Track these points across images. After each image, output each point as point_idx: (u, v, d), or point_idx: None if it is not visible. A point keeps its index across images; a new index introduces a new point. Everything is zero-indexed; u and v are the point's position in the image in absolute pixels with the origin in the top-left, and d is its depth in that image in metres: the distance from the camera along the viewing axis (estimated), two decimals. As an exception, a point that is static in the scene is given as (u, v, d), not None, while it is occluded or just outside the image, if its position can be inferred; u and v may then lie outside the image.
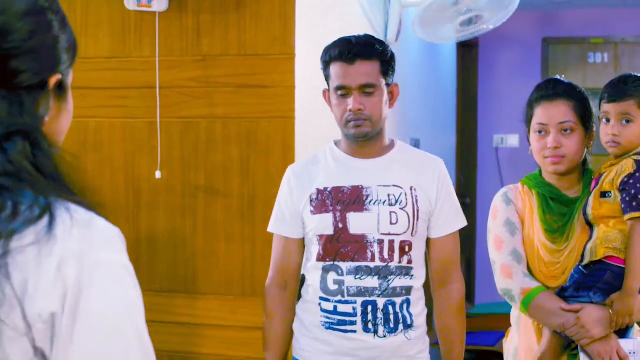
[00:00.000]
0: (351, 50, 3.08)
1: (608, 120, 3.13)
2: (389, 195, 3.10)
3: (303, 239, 3.23)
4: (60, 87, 1.41)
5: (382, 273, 3.07)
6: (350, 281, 3.07)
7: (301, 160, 3.36)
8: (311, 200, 3.14)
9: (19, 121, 1.31)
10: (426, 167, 3.20)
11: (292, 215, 3.20)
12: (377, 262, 3.07)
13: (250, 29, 4.10)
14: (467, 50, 8.95)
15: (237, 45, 4.12)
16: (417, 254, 3.14)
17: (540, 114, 3.20)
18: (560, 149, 3.15)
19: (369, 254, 3.07)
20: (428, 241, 3.21)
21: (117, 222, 4.61)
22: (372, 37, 3.16)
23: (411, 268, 3.11)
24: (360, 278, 3.06)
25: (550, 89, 3.22)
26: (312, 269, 3.18)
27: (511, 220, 3.23)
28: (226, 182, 4.16)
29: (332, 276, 3.11)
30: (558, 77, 3.33)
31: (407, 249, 3.10)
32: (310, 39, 4.20)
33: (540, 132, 3.20)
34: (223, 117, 4.14)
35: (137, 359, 1.29)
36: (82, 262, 1.26)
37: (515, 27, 8.32)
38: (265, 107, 4.08)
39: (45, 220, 1.26)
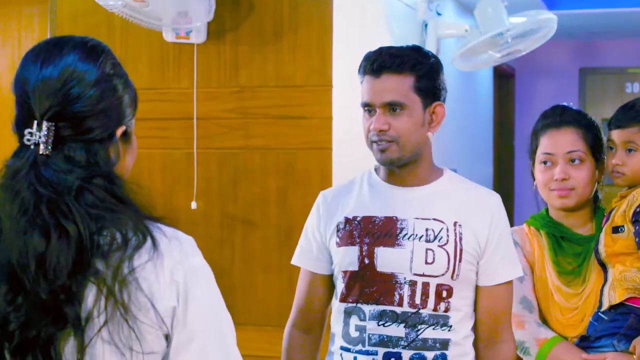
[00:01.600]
0: (377, 60, 2.65)
1: (611, 148, 2.89)
2: (427, 230, 2.61)
3: (331, 276, 2.79)
4: (125, 134, 1.76)
5: (411, 321, 2.58)
6: (372, 328, 2.60)
7: (336, 186, 2.96)
8: (338, 230, 2.71)
9: (95, 167, 1.66)
10: (478, 202, 2.71)
11: (319, 247, 2.78)
12: (406, 307, 2.58)
13: (287, 61, 4.11)
14: (504, 80, 8.93)
15: (274, 77, 4.14)
16: (461, 302, 2.64)
17: (546, 143, 2.94)
18: (568, 181, 2.88)
19: (397, 297, 2.59)
20: (476, 289, 2.70)
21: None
22: (413, 47, 2.71)
23: (449, 317, 2.61)
24: (384, 325, 2.59)
25: (557, 116, 2.95)
26: (335, 313, 2.73)
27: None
28: (263, 213, 4.16)
29: (354, 321, 2.64)
30: (566, 104, 3.07)
31: (445, 294, 2.60)
32: (348, 70, 4.20)
33: (545, 162, 2.93)
34: (260, 148, 4.16)
35: (229, 331, 1.74)
36: (185, 267, 1.68)
37: (552, 57, 8.31)
38: (302, 138, 4.09)
39: (149, 241, 1.65)
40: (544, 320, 2.91)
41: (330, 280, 2.79)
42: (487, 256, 2.64)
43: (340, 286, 2.69)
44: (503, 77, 8.79)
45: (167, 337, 1.67)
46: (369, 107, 2.67)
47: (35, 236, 1.57)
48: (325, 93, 4.06)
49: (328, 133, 4.04)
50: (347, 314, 2.65)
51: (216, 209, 4.24)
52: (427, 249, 2.60)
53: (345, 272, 2.66)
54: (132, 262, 1.62)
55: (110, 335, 1.60)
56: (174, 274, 1.67)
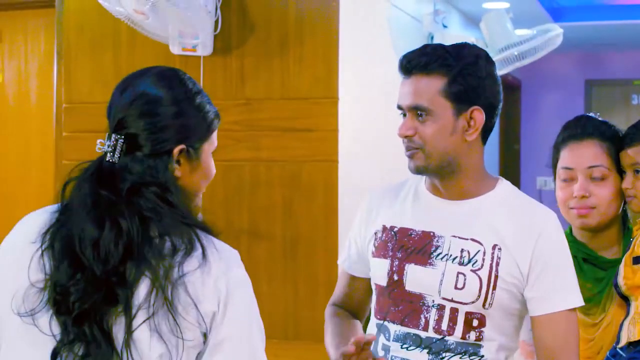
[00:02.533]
0: (408, 59, 2.39)
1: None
2: (462, 251, 2.36)
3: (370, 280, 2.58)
4: (188, 153, 1.98)
5: (435, 347, 2.34)
6: (395, 350, 2.40)
7: (386, 185, 2.67)
8: (375, 239, 2.50)
9: (149, 177, 1.90)
10: (524, 222, 2.38)
11: (359, 252, 2.58)
12: (430, 333, 2.35)
13: (293, 73, 4.12)
14: (510, 91, 8.94)
15: (280, 89, 4.14)
16: (497, 332, 2.37)
17: (566, 156, 2.66)
18: (588, 198, 2.60)
19: (422, 321, 2.36)
20: (531, 320, 2.40)
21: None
22: (454, 46, 2.41)
23: (480, 347, 2.34)
24: (407, 348, 2.38)
25: (579, 127, 2.67)
26: (370, 327, 2.54)
27: None
28: (269, 225, 4.16)
29: (381, 339, 2.45)
30: (592, 114, 2.81)
31: (475, 323, 2.34)
32: (354, 82, 4.21)
33: (565, 179, 2.67)
34: (266, 160, 4.16)
35: (259, 338, 1.93)
36: (228, 277, 1.89)
37: (558, 69, 8.31)
38: (308, 150, 4.09)
39: (199, 250, 1.87)
40: None
41: (369, 284, 2.57)
42: (532, 282, 2.34)
43: (373, 299, 2.52)
44: (509, 88, 8.79)
45: (205, 336, 1.87)
46: (401, 110, 2.41)
47: (92, 225, 1.84)
48: (331, 105, 4.06)
49: (334, 145, 4.04)
50: (378, 330, 2.47)
51: (221, 220, 4.23)
52: (458, 273, 2.34)
53: (376, 285, 2.48)
54: (183, 267, 1.84)
55: (157, 326, 1.81)
56: (217, 282, 1.87)
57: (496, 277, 2.32)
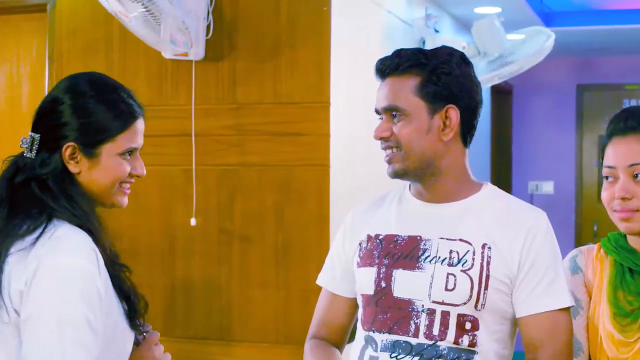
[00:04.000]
0: (381, 62, 2.41)
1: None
2: (450, 252, 2.29)
3: (354, 300, 2.50)
4: (85, 151, 2.08)
5: (426, 354, 2.25)
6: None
7: (369, 200, 2.60)
8: (360, 249, 2.43)
9: (35, 170, 2.07)
10: (512, 220, 2.33)
11: (344, 269, 2.50)
12: (421, 339, 2.26)
13: (285, 78, 4.12)
14: (502, 96, 8.95)
15: (272, 94, 4.15)
16: (490, 336, 2.28)
17: (609, 153, 2.36)
18: (631, 200, 2.29)
19: (412, 327, 2.27)
20: (517, 323, 2.34)
21: (152, 268, 4.66)
22: (430, 49, 2.40)
23: (474, 353, 2.25)
24: (396, 357, 2.27)
25: (622, 121, 2.36)
26: (357, 339, 2.43)
27: (575, 295, 2.38)
28: (261, 230, 4.16)
29: (368, 352, 2.34)
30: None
31: (467, 326, 2.26)
32: (346, 87, 4.22)
33: (607, 177, 2.37)
34: (258, 164, 4.16)
35: (70, 328, 1.93)
36: (41, 261, 1.94)
37: (550, 74, 8.33)
38: (300, 155, 4.09)
39: (36, 234, 1.97)
40: None
41: (354, 304, 2.49)
42: (521, 282, 2.27)
43: (360, 311, 2.42)
44: (500, 93, 8.80)
45: (17, 313, 1.96)
46: (379, 115, 2.39)
47: None
48: (323, 110, 4.07)
49: (326, 150, 4.05)
50: (365, 342, 2.36)
51: (214, 226, 4.24)
52: (448, 274, 2.27)
53: (362, 295, 2.39)
54: (14, 247, 1.98)
55: None
56: (30, 263, 1.95)
57: (487, 276, 2.26)
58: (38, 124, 2.11)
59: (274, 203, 4.14)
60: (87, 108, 2.10)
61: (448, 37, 6.00)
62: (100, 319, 1.97)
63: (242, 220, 4.20)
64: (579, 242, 8.48)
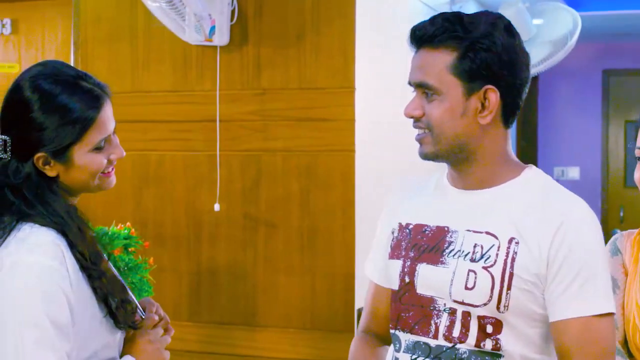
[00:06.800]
0: (415, 30, 2.07)
1: None
2: (474, 246, 2.03)
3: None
4: (59, 157, 2.05)
5: (445, 357, 2.04)
6: None
7: (410, 181, 2.34)
8: (392, 239, 2.20)
9: (9, 177, 2.06)
10: (547, 211, 2.02)
11: (383, 257, 2.24)
12: (440, 341, 2.04)
13: (310, 63, 4.12)
14: (527, 82, 8.91)
15: (297, 79, 4.14)
16: (518, 340, 2.02)
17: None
18: None
19: (432, 327, 2.06)
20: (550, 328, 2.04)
21: (178, 254, 4.66)
22: (470, 15, 2.07)
23: (499, 357, 2.00)
24: (416, 359, 2.08)
25: None
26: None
27: (613, 276, 2.22)
28: (286, 215, 4.16)
29: (391, 352, 2.18)
30: None
31: (490, 329, 2.00)
32: (370, 72, 4.20)
33: (639, 158, 2.31)
34: (283, 150, 4.16)
35: (30, 330, 1.91)
36: (10, 259, 1.95)
37: (575, 59, 8.25)
38: (325, 140, 4.09)
39: (4, 235, 1.99)
40: (627, 346, 2.33)
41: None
42: (549, 283, 1.98)
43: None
44: (526, 78, 8.77)
45: None
46: (411, 87, 2.10)
47: None
48: (347, 95, 4.06)
49: (351, 135, 4.04)
50: (393, 341, 2.17)
51: (238, 211, 4.24)
52: (469, 270, 2.01)
53: (391, 290, 2.17)
54: None
55: None
56: None
57: (511, 274, 1.97)
58: (7, 128, 2.09)
59: (299, 188, 4.14)
60: (51, 116, 2.06)
61: (473, 22, 5.95)
62: (68, 313, 1.95)
63: (267, 206, 4.20)
64: (605, 228, 8.43)
